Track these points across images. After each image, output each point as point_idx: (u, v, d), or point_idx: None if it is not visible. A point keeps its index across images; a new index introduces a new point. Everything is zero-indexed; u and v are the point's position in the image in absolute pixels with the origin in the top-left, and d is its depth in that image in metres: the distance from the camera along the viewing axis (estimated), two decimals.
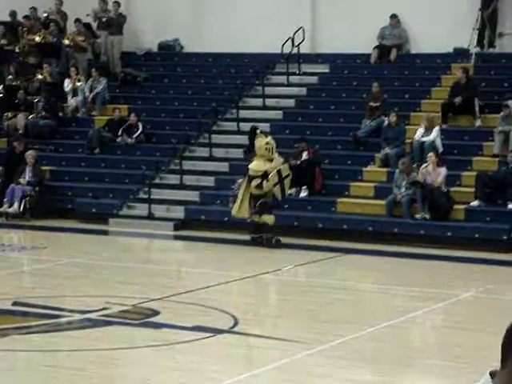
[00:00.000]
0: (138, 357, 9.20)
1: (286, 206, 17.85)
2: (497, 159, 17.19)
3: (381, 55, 20.67)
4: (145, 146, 20.43)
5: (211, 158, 19.58)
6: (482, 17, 19.46)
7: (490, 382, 3.02)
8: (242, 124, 20.27)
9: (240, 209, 15.94)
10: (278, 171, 15.85)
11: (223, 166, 19.28)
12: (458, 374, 8.74)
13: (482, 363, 9.06)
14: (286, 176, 16.07)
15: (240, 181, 18.27)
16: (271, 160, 15.90)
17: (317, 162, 18.01)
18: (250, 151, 17.34)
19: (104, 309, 11.05)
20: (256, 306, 12.43)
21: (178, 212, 18.19)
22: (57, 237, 17.37)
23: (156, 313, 10.89)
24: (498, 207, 16.42)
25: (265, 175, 15.74)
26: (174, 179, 19.20)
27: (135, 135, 20.47)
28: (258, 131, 16.57)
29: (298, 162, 17.82)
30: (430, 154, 16.76)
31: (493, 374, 3.02)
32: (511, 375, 2.96)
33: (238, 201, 15.98)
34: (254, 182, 15.73)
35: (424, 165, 16.73)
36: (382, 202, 16.94)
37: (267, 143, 15.94)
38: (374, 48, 20.74)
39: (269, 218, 15.83)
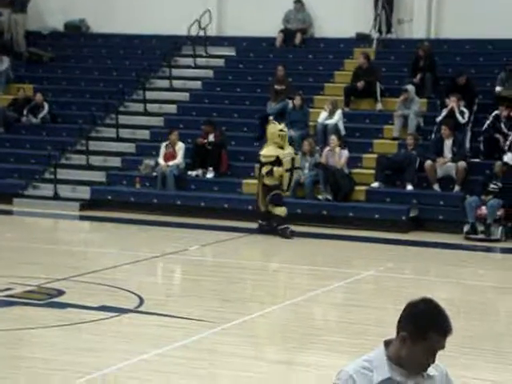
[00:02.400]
0: (43, 337, 9.25)
1: (193, 187, 18.07)
2: (396, 142, 17.73)
3: (286, 39, 20.97)
4: (50, 126, 20.29)
5: (118, 139, 19.59)
6: (381, 3, 19.96)
7: (384, 350, 3.37)
8: (148, 105, 20.34)
9: (260, 201, 15.60)
10: (292, 159, 15.51)
11: (130, 147, 19.33)
12: (360, 350, 9.05)
13: (383, 339, 9.44)
14: (297, 167, 15.79)
15: (147, 161, 18.37)
16: (282, 148, 15.49)
17: (223, 144, 18.25)
18: (260, 138, 17.03)
19: (8, 289, 11.02)
20: (162, 286, 12.60)
21: (84, 192, 18.18)
22: None
23: (61, 293, 10.93)
24: (397, 189, 16.95)
25: (276, 161, 15.33)
26: (80, 160, 19.16)
27: (41, 115, 20.29)
28: (271, 117, 16.20)
29: (205, 142, 18.04)
30: (333, 136, 17.17)
31: (387, 343, 3.37)
32: (400, 343, 3.31)
33: (258, 194, 15.68)
34: (265, 169, 15.33)
35: (327, 147, 17.13)
36: None
37: (281, 130, 15.56)
38: (279, 32, 21.04)
39: (281, 210, 15.39)
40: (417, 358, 3.33)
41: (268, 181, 15.45)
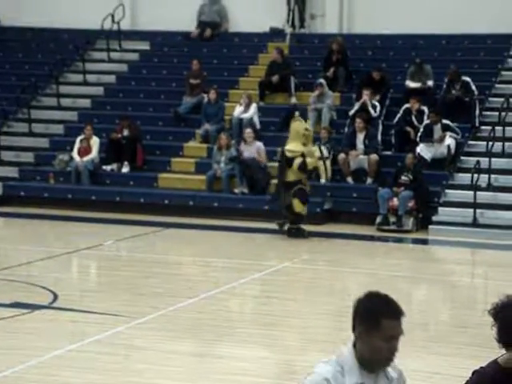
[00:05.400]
0: None
1: (108, 182, 17.96)
2: None
3: (200, 33, 20.97)
4: None
5: (30, 134, 19.32)
6: None
7: (353, 353, 3.38)
8: (62, 100, 20.11)
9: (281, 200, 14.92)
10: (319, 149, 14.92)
11: (43, 142, 19.08)
12: (275, 342, 9.18)
13: (297, 330, 9.58)
14: (326, 157, 15.08)
15: (61, 156, 18.17)
16: (305, 146, 14.84)
17: (138, 138, 18.17)
18: (282, 131, 16.50)
19: None
20: (76, 281, 12.51)
21: None
22: None
23: None
24: (311, 182, 17.08)
25: (303, 155, 14.67)
26: None
27: None
28: (297, 113, 15.71)
29: (120, 136, 17.94)
30: (248, 129, 17.28)
31: (354, 345, 3.36)
32: (359, 341, 3.33)
33: (278, 192, 15.10)
34: (297, 162, 14.62)
35: (242, 141, 17.22)
36: (203, 177, 17.33)
37: (306, 129, 14.99)
38: (195, 26, 21.03)
39: (300, 206, 14.79)
40: (378, 351, 3.31)
41: (291, 177, 14.74)
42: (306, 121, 15.38)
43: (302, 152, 14.74)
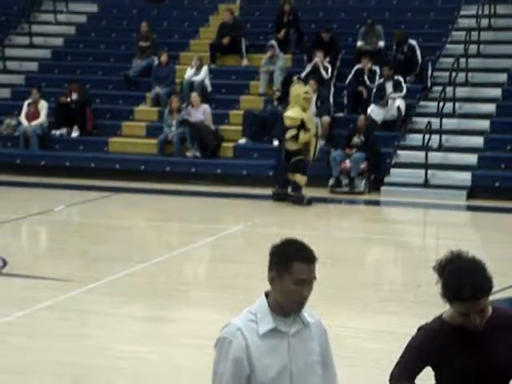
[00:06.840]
0: None
1: (58, 147, 17.69)
2: (262, 98, 17.80)
3: None
4: None
5: None
6: None
7: (265, 301, 3.39)
8: (8, 63, 19.77)
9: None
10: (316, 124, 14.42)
11: None
12: (229, 304, 9.10)
13: (250, 293, 9.52)
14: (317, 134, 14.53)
15: (8, 121, 17.80)
16: (305, 110, 14.35)
17: (87, 102, 17.89)
18: (281, 99, 15.98)
19: None
20: (26, 248, 12.33)
21: None
22: None
23: None
24: (263, 144, 17.06)
25: (301, 125, 14.18)
26: None
27: None
28: (295, 78, 15.11)
29: (68, 100, 17.64)
30: (193, 93, 17.11)
31: (267, 294, 3.36)
32: (272, 285, 3.40)
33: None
34: (290, 133, 14.18)
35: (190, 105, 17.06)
36: (154, 141, 17.15)
37: (306, 92, 14.42)
38: None
39: (301, 179, 14.39)
40: (289, 294, 3.34)
41: (290, 146, 14.33)
42: (305, 84, 14.92)
43: (301, 119, 14.23)
